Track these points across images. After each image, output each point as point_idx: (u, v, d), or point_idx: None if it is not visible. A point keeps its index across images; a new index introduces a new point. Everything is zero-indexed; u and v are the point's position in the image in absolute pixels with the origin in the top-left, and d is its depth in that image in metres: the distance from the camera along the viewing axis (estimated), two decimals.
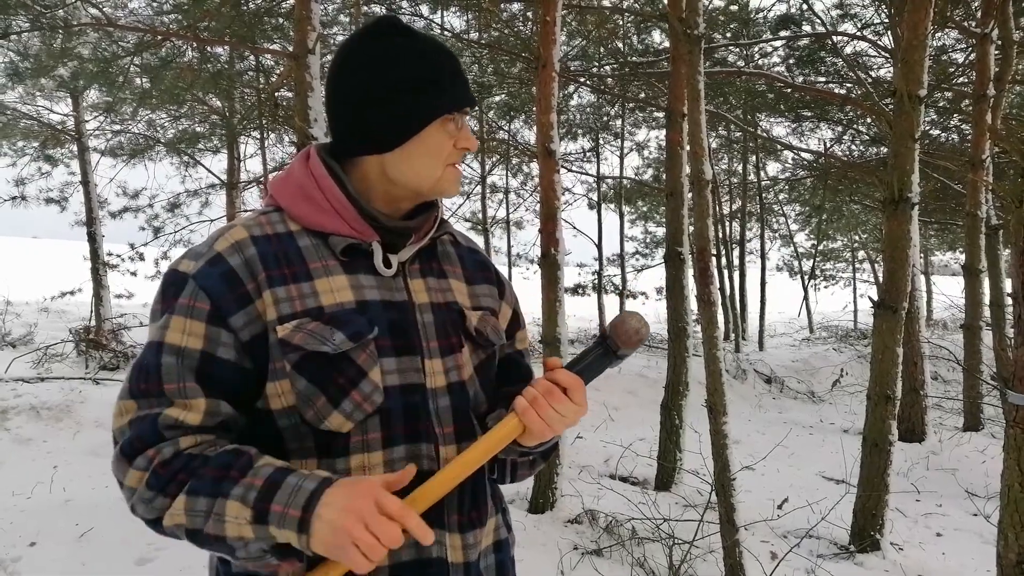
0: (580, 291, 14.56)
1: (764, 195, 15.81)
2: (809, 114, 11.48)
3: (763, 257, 15.96)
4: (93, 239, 10.86)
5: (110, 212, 11.70)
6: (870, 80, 9.21)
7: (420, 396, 1.09)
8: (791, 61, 10.26)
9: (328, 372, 1.04)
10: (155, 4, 7.87)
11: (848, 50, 9.93)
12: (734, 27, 10.34)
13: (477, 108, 11.93)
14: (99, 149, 11.34)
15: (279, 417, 1.06)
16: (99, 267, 10.82)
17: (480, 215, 14.01)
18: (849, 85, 10.08)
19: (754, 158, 14.93)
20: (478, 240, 13.88)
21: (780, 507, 4.90)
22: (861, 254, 19.98)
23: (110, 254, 11.30)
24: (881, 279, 4.37)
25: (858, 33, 8.91)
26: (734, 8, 10.27)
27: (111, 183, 11.75)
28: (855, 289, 20.47)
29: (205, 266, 1.05)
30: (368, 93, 1.10)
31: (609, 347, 1.11)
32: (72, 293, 11.53)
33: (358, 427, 1.05)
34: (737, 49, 10.25)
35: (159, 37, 6.54)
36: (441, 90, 1.11)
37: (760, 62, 10.63)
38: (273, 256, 1.07)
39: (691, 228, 4.67)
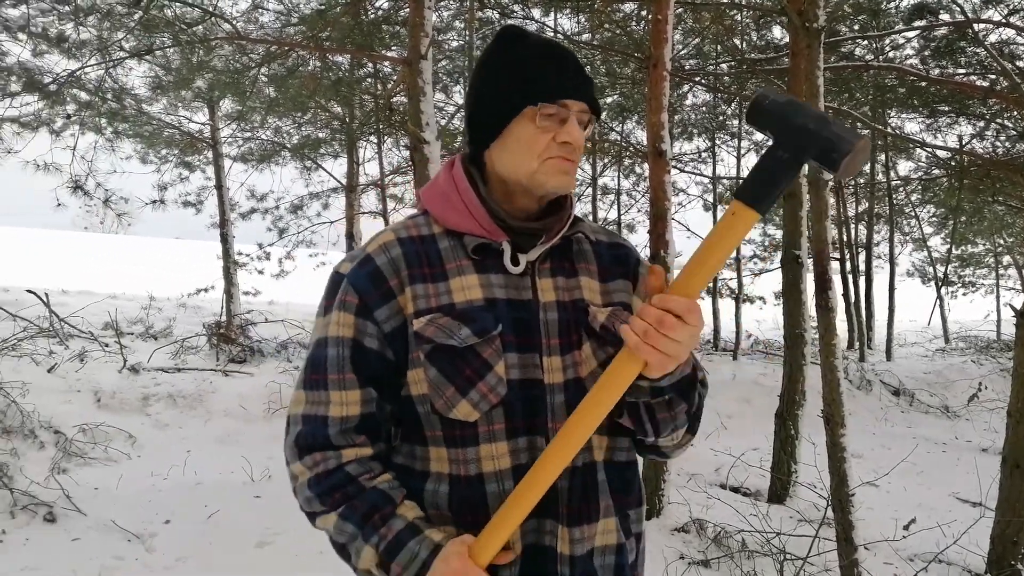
0: None
1: (894, 196, 14.89)
2: (946, 108, 10.71)
3: (892, 262, 15.05)
4: (225, 239, 11.59)
5: (240, 214, 12.44)
6: (1017, 70, 8.50)
7: (539, 391, 1.14)
8: (926, 53, 9.62)
9: (456, 364, 1.12)
10: (282, 17, 8.32)
11: (992, 38, 9.20)
12: (862, 19, 9.79)
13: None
14: (231, 155, 12.09)
15: (417, 403, 1.16)
16: (230, 266, 11.54)
17: (590, 216, 13.93)
18: (993, 76, 9.33)
19: (883, 157, 14.10)
20: None
21: (907, 528, 4.59)
22: (1007, 259, 18.47)
23: (240, 253, 12.02)
24: None
25: (1004, 20, 8.23)
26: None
27: (241, 187, 12.52)
28: (998, 297, 18.99)
29: (356, 267, 1.18)
30: (474, 95, 1.21)
31: (803, 158, 0.96)
32: (206, 290, 12.34)
33: (484, 417, 1.13)
34: (865, 42, 9.71)
35: (286, 48, 6.91)
36: (529, 83, 1.13)
37: (891, 55, 10.03)
38: (416, 256, 1.17)
39: (809, 231, 4.46)
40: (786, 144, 0.97)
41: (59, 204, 9.18)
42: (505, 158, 1.17)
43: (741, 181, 0.99)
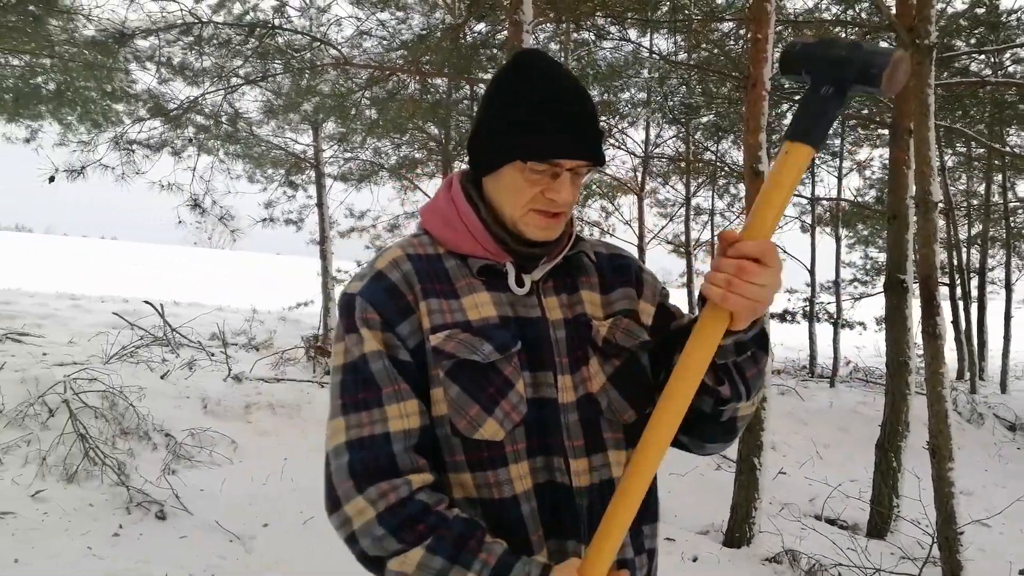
0: (789, 318, 13.76)
1: (1012, 218, 14.01)
2: None
3: (1008, 288, 14.14)
4: (324, 256, 12.05)
5: (339, 232, 12.95)
6: None
7: (551, 410, 1.12)
8: None
9: (479, 381, 1.09)
10: (384, 42, 8.66)
11: None
12: (979, 32, 9.32)
13: (683, 129, 11.76)
14: (332, 175, 12.58)
15: (436, 426, 1.11)
16: (328, 281, 11.97)
17: (683, 237, 13.74)
18: None
19: (999, 177, 13.31)
20: (679, 263, 13.62)
21: (1022, 573, 4.30)
22: None
23: (338, 270, 12.47)
24: None
25: None
26: (980, 11, 9.26)
27: (341, 205, 13.01)
28: None
29: (369, 283, 1.14)
30: (478, 120, 1.19)
31: (847, 86, 0.98)
32: (306, 304, 12.85)
33: (508, 437, 1.09)
34: (982, 56, 9.23)
35: (387, 72, 7.18)
36: (522, 137, 1.11)
37: (1011, 69, 9.50)
38: (426, 272, 1.15)
39: (916, 254, 4.28)
40: (825, 80, 0.99)
41: (180, 221, 9.81)
42: (496, 196, 1.16)
43: (788, 124, 1.03)
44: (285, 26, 7.36)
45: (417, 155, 12.53)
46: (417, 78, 8.40)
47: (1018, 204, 13.97)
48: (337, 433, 1.09)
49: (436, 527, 1.02)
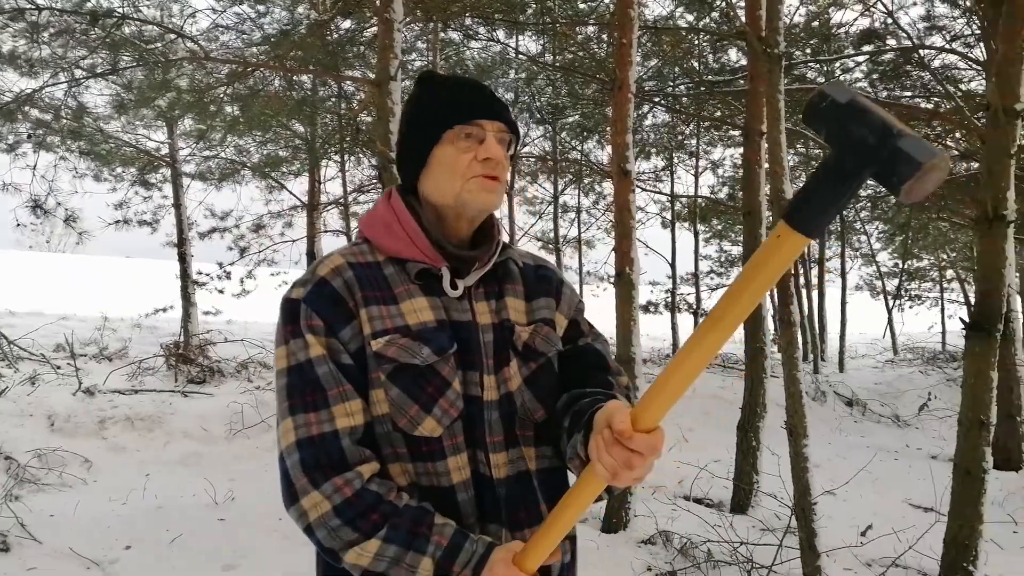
0: (652, 309, 14.42)
1: (844, 213, 15.36)
2: None
3: (843, 276, 15.49)
4: (183, 259, 11.38)
5: (199, 233, 12.23)
6: (960, 93, 8.88)
7: (476, 407, 1.22)
8: (875, 76, 9.99)
9: (418, 382, 1.17)
10: (245, 37, 8.29)
11: (936, 63, 9.61)
12: (814, 43, 10.15)
13: (550, 128, 12.05)
14: (190, 174, 11.90)
15: (376, 423, 1.19)
16: (188, 285, 11.32)
17: (552, 234, 14.08)
18: (937, 99, 9.73)
19: None
20: (550, 258, 13.95)
21: (864, 534, 4.73)
22: (950, 273, 19.12)
23: (199, 273, 11.82)
24: (973, 300, 4.19)
25: (947, 46, 8.61)
26: (815, 24, 10.09)
27: (200, 206, 12.33)
28: (943, 309, 19.59)
29: (313, 289, 1.19)
30: (400, 134, 1.31)
31: (863, 175, 0.79)
32: (164, 310, 12.08)
33: (447, 432, 1.18)
34: (817, 65, 10.05)
35: (249, 68, 6.88)
36: (444, 110, 1.22)
37: (842, 78, 10.38)
38: (366, 279, 1.22)
39: None
40: (843, 157, 0.80)
41: (19, 224, 8.96)
42: (432, 184, 1.24)
43: (791, 200, 0.84)
44: (133, 15, 6.88)
45: (282, 153, 12.08)
46: (282, 74, 8.11)
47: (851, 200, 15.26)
48: (287, 433, 1.14)
49: (389, 516, 1.10)
